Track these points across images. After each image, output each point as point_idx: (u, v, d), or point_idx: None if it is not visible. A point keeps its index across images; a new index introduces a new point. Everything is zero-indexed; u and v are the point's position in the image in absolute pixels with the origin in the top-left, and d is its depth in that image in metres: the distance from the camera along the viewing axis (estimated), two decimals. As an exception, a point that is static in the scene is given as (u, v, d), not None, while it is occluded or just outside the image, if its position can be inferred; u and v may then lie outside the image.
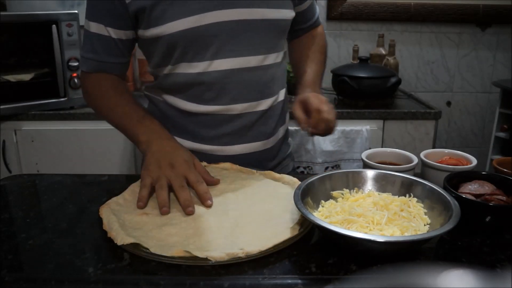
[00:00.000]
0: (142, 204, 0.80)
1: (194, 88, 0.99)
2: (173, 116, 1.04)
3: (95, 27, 0.95)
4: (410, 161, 0.90)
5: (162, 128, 0.96)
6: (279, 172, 0.95)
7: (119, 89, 1.02)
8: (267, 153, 1.07)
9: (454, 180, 0.81)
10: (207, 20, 0.92)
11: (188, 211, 0.78)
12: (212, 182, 0.88)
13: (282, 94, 1.09)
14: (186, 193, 0.81)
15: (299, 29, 1.17)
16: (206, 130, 1.02)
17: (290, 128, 1.86)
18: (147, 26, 0.93)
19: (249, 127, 1.03)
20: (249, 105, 1.01)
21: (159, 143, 0.92)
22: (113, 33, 0.95)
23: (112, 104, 1.01)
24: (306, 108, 0.98)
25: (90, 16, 0.96)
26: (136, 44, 1.03)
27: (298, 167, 1.92)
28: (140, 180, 0.87)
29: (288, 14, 1.02)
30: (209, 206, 0.81)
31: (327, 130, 0.98)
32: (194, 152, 0.95)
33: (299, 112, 0.98)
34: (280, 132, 1.10)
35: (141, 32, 0.96)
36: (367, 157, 0.92)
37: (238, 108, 1.00)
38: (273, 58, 1.02)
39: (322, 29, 1.22)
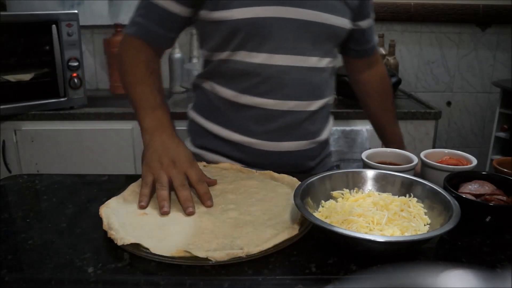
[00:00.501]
0: (144, 204, 0.81)
1: (250, 79, 1.00)
2: (223, 108, 1.04)
3: None
4: (410, 161, 0.90)
5: (170, 122, 0.96)
6: (318, 171, 0.95)
7: (151, 67, 1.01)
8: (310, 152, 1.08)
9: (454, 180, 0.81)
10: (273, 13, 0.94)
11: (188, 212, 0.78)
12: (210, 183, 0.88)
13: (331, 99, 1.12)
14: (187, 193, 0.81)
15: (355, 49, 1.19)
16: (256, 124, 1.02)
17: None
18: (213, 8, 0.94)
19: (297, 126, 1.04)
20: (301, 104, 1.02)
21: (162, 137, 0.92)
22: (173, 6, 0.95)
23: (138, 79, 0.99)
24: None
25: None
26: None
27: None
28: (141, 178, 0.87)
29: (347, 23, 1.05)
30: (209, 207, 0.81)
31: None
32: (240, 145, 1.00)
33: None
34: (325, 133, 1.12)
35: (204, 14, 0.96)
36: (367, 157, 0.92)
37: (289, 104, 1.01)
38: (327, 62, 1.05)
39: (381, 60, 1.26)
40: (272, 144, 1.03)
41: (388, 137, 1.28)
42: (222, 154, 1.07)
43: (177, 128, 1.95)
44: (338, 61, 2.37)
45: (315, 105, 1.05)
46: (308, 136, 1.06)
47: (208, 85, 1.06)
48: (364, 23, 1.14)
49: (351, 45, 1.17)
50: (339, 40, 1.08)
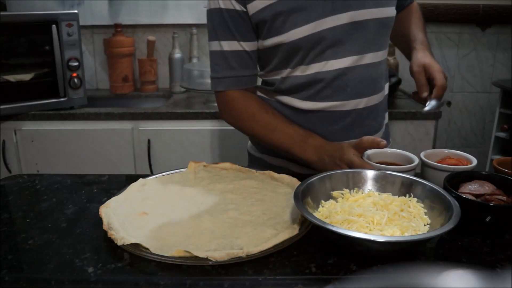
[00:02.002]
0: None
1: (312, 87, 1.02)
2: (286, 114, 1.06)
3: (228, 45, 1.00)
4: (411, 161, 0.90)
5: (327, 142, 1.00)
6: None
7: (270, 110, 1.05)
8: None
9: (454, 180, 0.81)
10: (325, 25, 0.96)
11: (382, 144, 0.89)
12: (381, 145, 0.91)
13: (386, 89, 1.13)
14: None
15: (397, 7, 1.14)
16: (320, 127, 1.04)
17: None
18: (267, 36, 0.99)
19: (361, 122, 1.05)
20: (362, 101, 1.03)
21: (330, 155, 0.97)
22: (246, 46, 1.01)
23: (272, 126, 1.03)
24: (428, 75, 1.03)
25: (218, 36, 1.01)
26: None
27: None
28: (140, 178, 0.87)
29: (393, 11, 1.05)
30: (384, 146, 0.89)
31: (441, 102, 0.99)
32: None
33: (422, 77, 1.02)
34: (384, 124, 1.13)
35: (260, 42, 1.01)
36: (368, 158, 0.92)
37: (351, 103, 1.03)
38: (382, 54, 1.06)
39: (417, 5, 1.25)
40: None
41: (409, 40, 1.17)
42: (284, 157, 1.09)
43: (176, 128, 1.94)
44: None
45: (375, 98, 1.06)
46: (372, 131, 1.07)
47: (270, 96, 1.09)
48: None
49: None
50: (390, 29, 1.08)
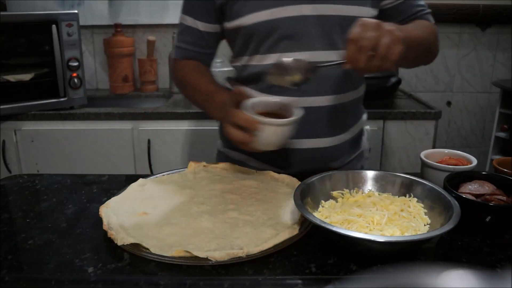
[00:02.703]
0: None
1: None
2: None
3: (187, 20, 1.05)
4: (293, 113, 0.86)
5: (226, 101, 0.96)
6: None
7: (200, 70, 1.08)
8: (336, 150, 1.05)
9: (454, 180, 0.81)
10: (283, 13, 0.95)
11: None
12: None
13: (360, 90, 1.09)
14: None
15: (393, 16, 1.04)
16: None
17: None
18: (229, 18, 1.00)
19: (319, 121, 1.01)
20: (316, 99, 1.00)
21: (223, 111, 0.93)
22: (201, 26, 1.04)
23: (192, 85, 1.07)
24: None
25: (185, 10, 1.06)
26: None
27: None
28: (140, 179, 0.87)
29: (367, 12, 0.98)
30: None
31: (377, 64, 0.78)
32: None
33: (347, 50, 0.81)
34: (352, 130, 1.08)
35: (225, 25, 1.02)
36: (252, 107, 0.85)
37: (307, 101, 0.99)
38: None
39: (430, 25, 1.05)
40: (294, 142, 1.01)
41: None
42: (242, 152, 1.08)
43: (176, 128, 1.94)
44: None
45: (337, 99, 1.01)
46: (330, 133, 1.03)
47: (235, 87, 1.09)
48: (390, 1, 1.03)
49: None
50: None
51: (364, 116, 1.16)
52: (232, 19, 0.99)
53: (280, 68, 0.84)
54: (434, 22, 1.07)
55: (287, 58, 0.85)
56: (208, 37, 1.06)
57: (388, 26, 0.78)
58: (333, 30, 0.97)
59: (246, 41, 1.00)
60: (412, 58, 1.02)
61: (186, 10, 1.06)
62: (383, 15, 1.03)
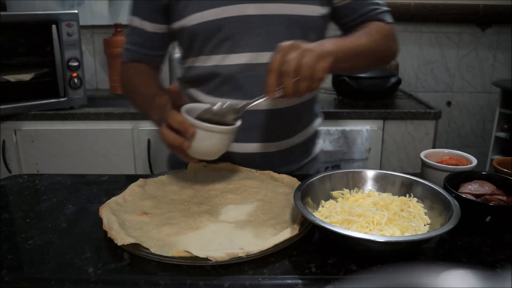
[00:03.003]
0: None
1: (211, 81, 0.99)
2: None
3: (134, 21, 1.03)
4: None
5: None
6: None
7: (143, 73, 1.05)
8: (281, 156, 1.03)
9: (454, 180, 0.81)
10: (227, 13, 0.93)
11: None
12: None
13: (304, 96, 0.95)
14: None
15: (348, 22, 1.02)
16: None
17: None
18: (174, 19, 0.98)
19: (263, 125, 0.99)
20: (261, 103, 0.94)
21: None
22: (148, 26, 1.01)
23: (134, 87, 1.04)
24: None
25: (132, 11, 1.03)
26: None
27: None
28: (140, 179, 0.87)
29: (315, 10, 0.96)
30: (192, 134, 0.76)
31: (304, 86, 0.76)
32: None
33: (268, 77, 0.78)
34: (302, 134, 1.06)
35: (172, 25, 1.00)
36: (188, 112, 0.82)
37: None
38: None
39: (386, 26, 1.02)
40: (242, 146, 1.00)
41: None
42: None
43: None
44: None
45: (280, 103, 0.97)
46: (276, 137, 1.01)
47: (184, 88, 1.08)
48: None
49: (341, 20, 1.03)
50: (314, 30, 0.98)
51: (318, 120, 1.12)
52: (176, 20, 0.97)
53: (211, 113, 0.80)
54: (393, 21, 1.03)
55: (215, 106, 0.80)
56: (156, 38, 1.03)
57: (308, 45, 0.77)
58: (278, 30, 0.94)
59: (191, 42, 0.98)
60: (351, 67, 1.00)
61: (134, 10, 1.03)
62: (336, 14, 1.01)
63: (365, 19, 1.01)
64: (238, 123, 0.81)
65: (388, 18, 1.03)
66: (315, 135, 1.13)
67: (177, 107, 0.81)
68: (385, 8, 1.03)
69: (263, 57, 0.94)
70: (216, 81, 0.99)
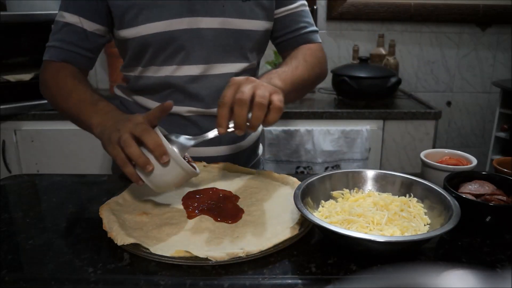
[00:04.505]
0: (131, 170, 0.74)
1: (163, 90, 1.01)
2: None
3: (70, 18, 0.95)
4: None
5: (117, 110, 0.89)
6: None
7: (77, 77, 0.97)
8: (233, 159, 1.05)
9: (454, 180, 0.81)
10: (179, 25, 0.94)
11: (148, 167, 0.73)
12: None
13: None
14: (153, 136, 0.74)
15: (279, 36, 1.09)
16: (175, 130, 0.97)
17: (290, 128, 1.86)
18: (121, 26, 0.95)
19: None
20: (213, 110, 1.00)
21: (113, 115, 0.86)
22: (87, 25, 0.96)
23: (67, 90, 0.95)
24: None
25: (66, 8, 0.96)
26: None
27: (298, 167, 1.92)
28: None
29: (260, 25, 1.01)
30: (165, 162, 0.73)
31: (259, 115, 0.76)
32: None
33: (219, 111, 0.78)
34: (250, 138, 1.11)
35: (118, 32, 0.97)
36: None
37: (209, 111, 1.01)
38: (242, 67, 1.02)
39: (318, 46, 1.11)
40: (197, 150, 1.01)
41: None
42: None
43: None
44: (335, 60, 2.34)
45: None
46: (229, 141, 1.05)
47: (128, 96, 1.07)
48: (286, 9, 1.05)
49: (275, 34, 1.09)
50: (259, 44, 1.04)
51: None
52: (124, 27, 0.95)
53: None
54: (320, 41, 1.11)
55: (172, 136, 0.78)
56: (93, 39, 0.97)
57: (260, 80, 0.80)
58: (228, 43, 0.99)
59: (140, 51, 0.97)
60: (294, 98, 1.05)
61: (68, 7, 0.96)
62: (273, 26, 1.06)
63: (295, 36, 1.08)
64: (198, 170, 0.79)
65: (317, 38, 1.11)
66: (259, 138, 1.19)
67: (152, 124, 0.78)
68: (314, 28, 1.11)
69: (215, 68, 0.99)
70: (168, 91, 1.00)
